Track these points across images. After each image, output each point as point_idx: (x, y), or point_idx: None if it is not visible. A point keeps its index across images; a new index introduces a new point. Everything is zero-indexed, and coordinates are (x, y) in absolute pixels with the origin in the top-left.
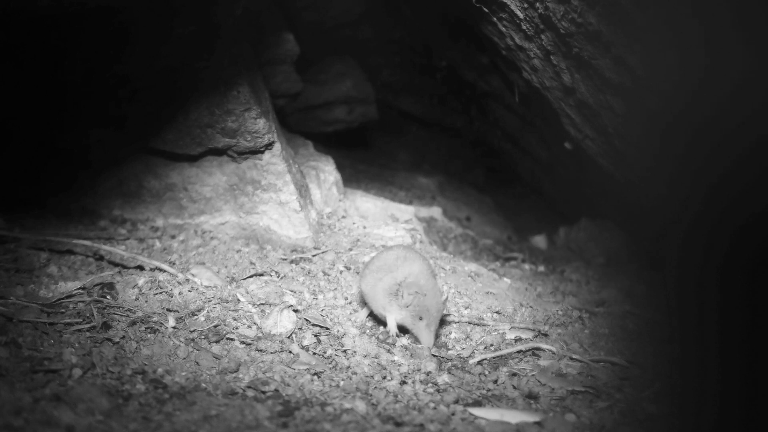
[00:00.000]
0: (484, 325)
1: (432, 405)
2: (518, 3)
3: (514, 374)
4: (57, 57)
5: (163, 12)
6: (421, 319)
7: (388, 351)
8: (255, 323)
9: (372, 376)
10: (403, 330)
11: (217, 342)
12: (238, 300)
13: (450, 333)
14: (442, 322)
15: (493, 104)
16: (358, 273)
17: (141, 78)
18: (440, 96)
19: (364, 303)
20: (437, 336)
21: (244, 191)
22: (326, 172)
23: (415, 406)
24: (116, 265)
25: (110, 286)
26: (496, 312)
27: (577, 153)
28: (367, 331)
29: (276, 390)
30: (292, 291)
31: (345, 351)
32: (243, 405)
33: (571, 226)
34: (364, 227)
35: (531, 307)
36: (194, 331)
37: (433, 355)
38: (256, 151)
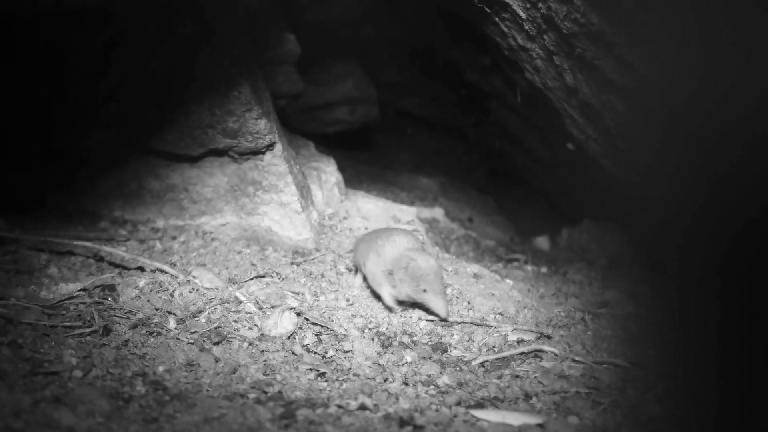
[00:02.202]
0: (486, 327)
1: (434, 407)
2: (521, 3)
3: (517, 376)
4: (57, 57)
5: (164, 12)
6: (425, 291)
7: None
8: (256, 324)
9: (374, 378)
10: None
11: (217, 343)
12: (239, 301)
13: (452, 334)
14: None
15: (496, 105)
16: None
17: (141, 78)
18: (442, 97)
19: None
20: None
21: (246, 192)
22: (328, 172)
23: (417, 408)
24: (117, 266)
25: (111, 287)
26: (499, 313)
27: (579, 154)
28: (367, 332)
29: (278, 392)
30: (293, 292)
31: (346, 352)
32: (244, 407)
33: (574, 227)
34: (366, 228)
35: (533, 308)
36: (195, 332)
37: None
38: (257, 152)
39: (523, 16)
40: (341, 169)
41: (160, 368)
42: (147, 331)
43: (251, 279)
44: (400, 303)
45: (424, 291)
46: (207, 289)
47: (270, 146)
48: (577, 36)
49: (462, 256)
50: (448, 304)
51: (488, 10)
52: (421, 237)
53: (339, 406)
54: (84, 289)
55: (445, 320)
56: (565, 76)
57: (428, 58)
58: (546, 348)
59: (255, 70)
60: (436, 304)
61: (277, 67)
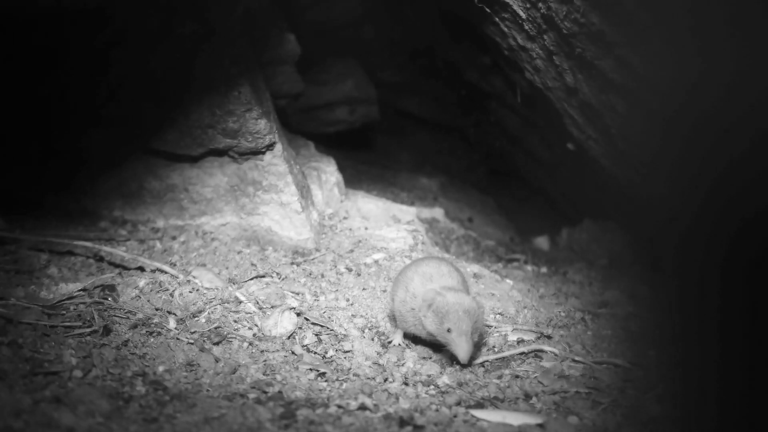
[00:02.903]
0: (486, 327)
1: (434, 407)
2: (521, 3)
3: (517, 376)
4: (57, 57)
5: (164, 12)
6: (449, 330)
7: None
8: (256, 324)
9: (374, 378)
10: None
11: (217, 343)
12: (239, 301)
13: None
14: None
15: (495, 105)
16: (359, 274)
17: (141, 78)
18: (442, 97)
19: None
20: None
21: (246, 192)
22: (328, 172)
23: (417, 408)
24: (117, 266)
25: (111, 287)
26: (499, 314)
27: (579, 154)
28: (367, 332)
29: (278, 392)
30: (293, 292)
31: (346, 352)
32: (244, 407)
33: (574, 227)
34: (366, 228)
35: (533, 308)
36: (195, 332)
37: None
38: (257, 152)
39: (523, 16)
40: (341, 169)
41: (160, 368)
42: (147, 331)
43: (251, 279)
44: (416, 341)
45: (448, 330)
46: (207, 289)
47: (270, 146)
48: (577, 36)
49: (462, 257)
50: (473, 349)
51: (488, 10)
52: (421, 237)
53: (339, 406)
54: (84, 289)
55: (464, 365)
56: (565, 76)
57: (428, 58)
58: (546, 348)
59: (255, 70)
60: (459, 345)
61: (277, 67)
